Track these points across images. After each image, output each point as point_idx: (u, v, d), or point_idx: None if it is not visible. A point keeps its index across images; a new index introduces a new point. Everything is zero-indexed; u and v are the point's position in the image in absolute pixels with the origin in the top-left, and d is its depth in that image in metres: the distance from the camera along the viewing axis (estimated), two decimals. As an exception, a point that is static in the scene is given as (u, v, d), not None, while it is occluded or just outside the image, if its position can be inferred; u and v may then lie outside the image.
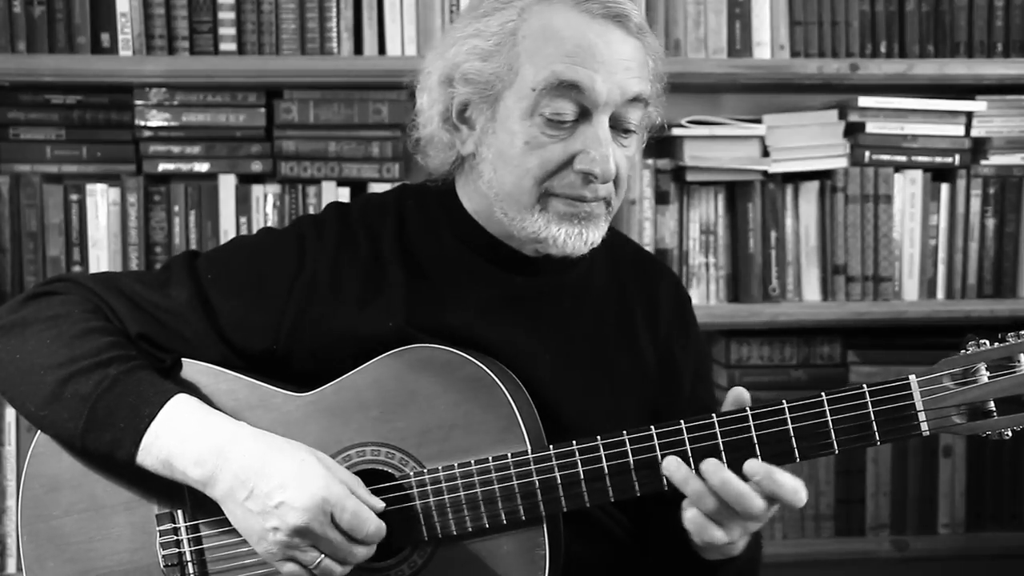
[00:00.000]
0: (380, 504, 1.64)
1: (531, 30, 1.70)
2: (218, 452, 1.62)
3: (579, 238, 1.73)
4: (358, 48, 2.74)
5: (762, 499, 1.57)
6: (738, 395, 1.64)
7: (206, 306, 1.76)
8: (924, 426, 1.56)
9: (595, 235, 1.74)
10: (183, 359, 1.76)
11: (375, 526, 1.62)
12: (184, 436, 1.63)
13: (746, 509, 1.57)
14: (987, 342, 1.57)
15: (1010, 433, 1.57)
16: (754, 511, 1.57)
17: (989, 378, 1.56)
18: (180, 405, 1.65)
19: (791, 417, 1.59)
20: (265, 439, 1.64)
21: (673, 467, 1.59)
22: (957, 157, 2.86)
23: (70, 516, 1.72)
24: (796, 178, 2.86)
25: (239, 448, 1.62)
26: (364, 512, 1.61)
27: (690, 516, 1.61)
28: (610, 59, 1.67)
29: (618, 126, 1.72)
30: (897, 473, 2.92)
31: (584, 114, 1.69)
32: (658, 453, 1.62)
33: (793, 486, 1.57)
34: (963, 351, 1.58)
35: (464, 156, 1.79)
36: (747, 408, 1.61)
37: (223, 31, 2.70)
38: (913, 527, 2.91)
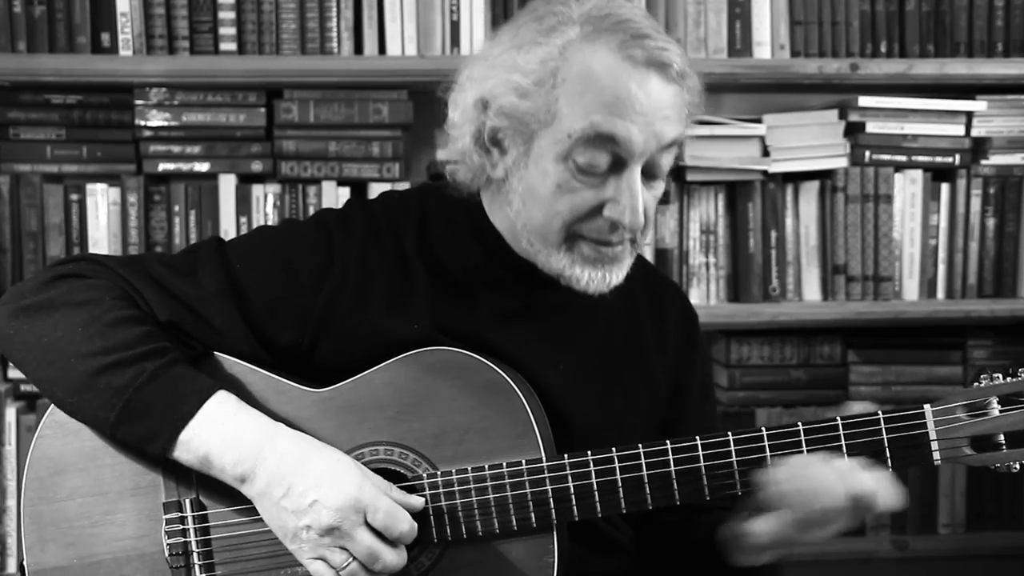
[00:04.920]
0: (420, 501, 1.65)
1: (571, 74, 1.66)
2: (257, 451, 1.62)
3: (602, 281, 1.72)
4: (358, 48, 2.74)
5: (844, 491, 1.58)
6: (850, 410, 1.66)
7: (237, 294, 1.75)
8: (936, 455, 1.60)
9: (618, 276, 1.74)
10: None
11: (408, 526, 1.61)
12: (224, 435, 1.63)
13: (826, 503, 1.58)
14: (1000, 376, 1.61)
15: (1018, 467, 1.61)
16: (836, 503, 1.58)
17: (1000, 412, 1.60)
18: (220, 404, 1.65)
19: (806, 440, 1.62)
20: (303, 440, 1.65)
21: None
22: (957, 157, 2.87)
23: (74, 500, 1.71)
24: (796, 178, 2.86)
25: (278, 448, 1.62)
26: (398, 512, 1.61)
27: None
28: (649, 110, 1.65)
29: (649, 172, 1.70)
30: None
31: (618, 163, 1.67)
32: (672, 468, 1.63)
33: (873, 488, 1.59)
34: (976, 383, 1.62)
35: (494, 180, 1.78)
36: (762, 428, 1.63)
37: (223, 31, 2.70)
38: (913, 527, 2.91)
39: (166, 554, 1.70)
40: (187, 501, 1.70)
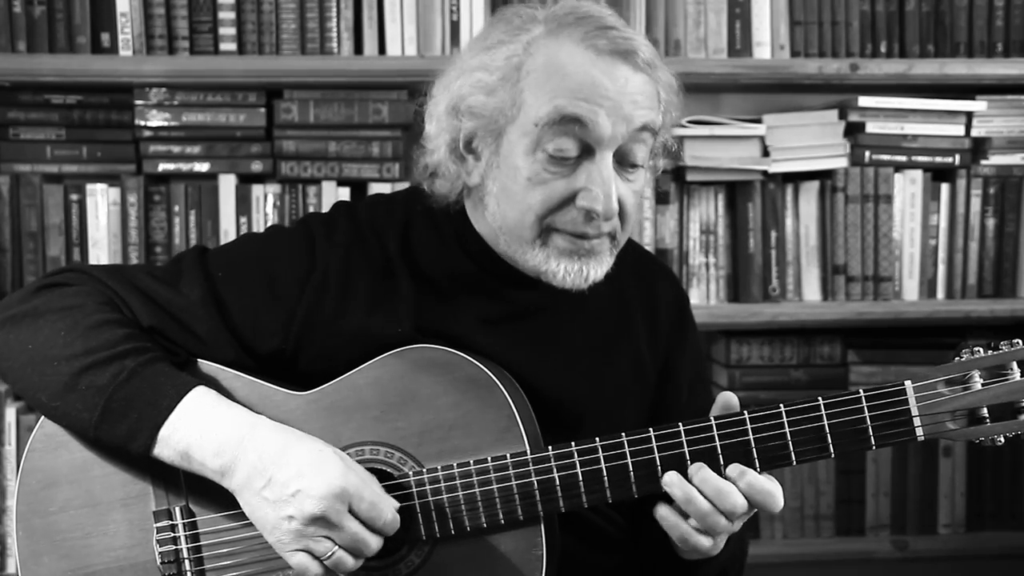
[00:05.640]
0: (394, 503, 1.64)
1: (536, 65, 1.67)
2: (237, 443, 1.62)
3: (579, 275, 1.71)
4: (358, 48, 2.74)
5: (744, 498, 1.60)
6: (727, 400, 1.65)
7: (219, 305, 1.76)
8: (919, 431, 1.60)
9: (597, 271, 1.73)
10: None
11: (392, 515, 1.62)
12: (203, 428, 1.63)
13: (728, 507, 1.59)
14: (980, 349, 1.60)
15: (1003, 439, 1.60)
16: (737, 510, 1.60)
17: (982, 385, 1.60)
18: (199, 397, 1.65)
19: (788, 421, 1.61)
20: (284, 430, 1.65)
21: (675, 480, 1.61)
22: (957, 157, 2.87)
23: (66, 512, 1.72)
24: (796, 178, 2.86)
25: (258, 438, 1.63)
26: (382, 501, 1.62)
27: (662, 513, 1.64)
28: (615, 95, 1.65)
29: (624, 161, 1.70)
30: (897, 473, 2.92)
31: (587, 151, 1.67)
32: (656, 455, 1.63)
33: (768, 489, 1.60)
34: (957, 358, 1.61)
35: (471, 187, 1.78)
36: (745, 411, 1.62)
37: (223, 31, 2.70)
38: (913, 527, 2.91)
39: (158, 562, 1.70)
40: (177, 509, 1.71)
